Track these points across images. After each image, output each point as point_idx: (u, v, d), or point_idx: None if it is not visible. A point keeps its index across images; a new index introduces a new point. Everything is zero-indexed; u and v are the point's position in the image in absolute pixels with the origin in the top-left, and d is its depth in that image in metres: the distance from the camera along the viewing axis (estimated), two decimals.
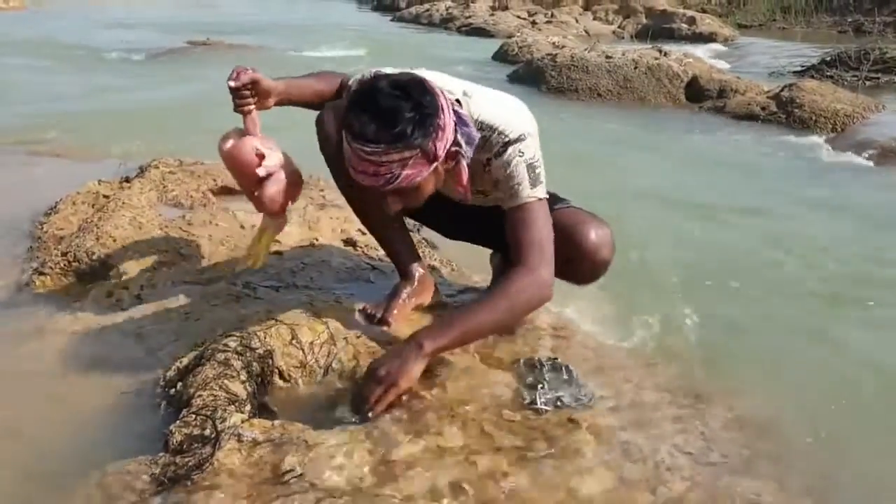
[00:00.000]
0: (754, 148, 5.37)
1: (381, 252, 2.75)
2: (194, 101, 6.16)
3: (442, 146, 1.67)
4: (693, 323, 2.35)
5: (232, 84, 1.92)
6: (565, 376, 1.87)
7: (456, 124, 1.73)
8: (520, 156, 1.80)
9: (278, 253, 2.60)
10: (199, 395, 1.69)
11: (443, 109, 1.67)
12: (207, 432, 1.58)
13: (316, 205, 3.08)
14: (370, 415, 1.68)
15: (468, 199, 1.88)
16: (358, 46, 10.57)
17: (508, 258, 1.91)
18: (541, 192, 1.82)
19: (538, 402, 1.75)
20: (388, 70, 1.88)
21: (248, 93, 1.93)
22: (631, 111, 6.59)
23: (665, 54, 7.39)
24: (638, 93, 6.93)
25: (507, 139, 1.80)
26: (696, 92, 6.89)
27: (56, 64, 8.88)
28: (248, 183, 2.03)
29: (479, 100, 1.86)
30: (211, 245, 2.64)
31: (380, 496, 1.41)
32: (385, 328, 2.08)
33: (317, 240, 2.76)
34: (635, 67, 7.06)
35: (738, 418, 1.80)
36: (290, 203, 2.11)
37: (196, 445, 1.56)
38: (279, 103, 2.02)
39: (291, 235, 2.77)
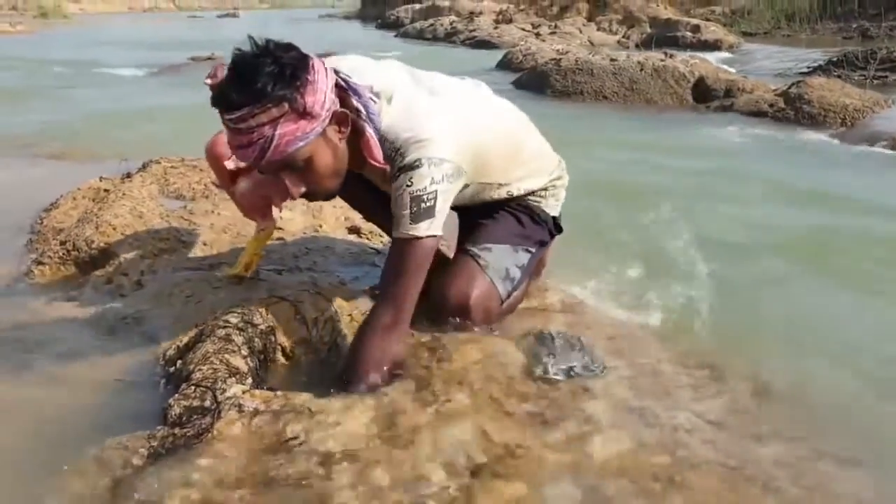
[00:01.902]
0: (765, 141, 5.32)
1: (386, 239, 2.71)
2: (196, 108, 6.14)
3: (315, 101, 1.55)
4: (709, 301, 2.28)
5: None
6: (577, 347, 1.80)
7: (347, 90, 1.64)
8: (408, 185, 1.64)
9: (281, 239, 2.55)
10: (199, 369, 1.64)
11: (313, 67, 1.57)
12: (207, 404, 1.52)
13: None
14: None
15: (387, 169, 1.70)
16: None
17: None
18: (422, 229, 1.65)
19: (549, 371, 1.69)
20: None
21: None
22: (638, 112, 6.55)
23: (671, 57, 7.36)
24: (644, 94, 6.88)
25: (401, 164, 1.66)
26: (702, 92, 6.83)
27: (61, 79, 8.92)
28: (223, 179, 1.98)
29: (398, 108, 1.72)
30: (213, 233, 2.59)
31: (387, 460, 1.35)
32: None
33: (321, 226, 2.71)
34: (641, 69, 7.01)
35: (757, 388, 1.74)
36: (273, 208, 2.02)
37: (196, 417, 1.51)
38: None
39: (295, 223, 2.73)
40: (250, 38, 1.60)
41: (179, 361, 1.75)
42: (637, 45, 13.04)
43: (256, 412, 1.49)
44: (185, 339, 1.82)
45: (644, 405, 1.57)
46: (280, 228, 2.65)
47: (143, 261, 2.39)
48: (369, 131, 1.67)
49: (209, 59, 10.81)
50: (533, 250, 2.04)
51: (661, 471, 1.34)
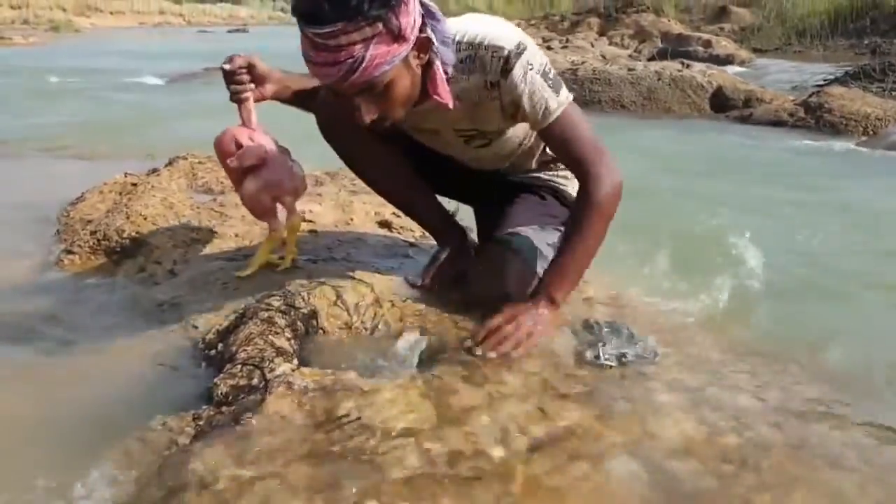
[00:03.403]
0: (789, 147, 5.29)
1: (418, 232, 2.68)
2: (216, 110, 6.18)
3: (407, 23, 1.48)
4: (749, 293, 2.24)
5: (226, 67, 1.83)
6: (626, 335, 1.76)
7: (425, 17, 1.57)
8: (529, 68, 1.61)
9: (313, 232, 2.52)
10: (244, 350, 1.60)
11: None
12: (255, 382, 1.49)
13: (347, 191, 3.00)
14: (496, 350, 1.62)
15: (449, 105, 1.65)
16: None
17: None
18: (564, 95, 1.66)
19: (601, 357, 1.64)
20: None
21: (244, 78, 1.83)
22: (658, 120, 6.51)
23: (688, 67, 7.34)
24: (662, 104, 6.85)
25: (506, 53, 1.61)
26: (720, 102, 6.80)
27: (77, 86, 8.94)
28: (231, 177, 1.90)
29: (455, 21, 1.69)
30: (244, 225, 2.56)
31: (444, 436, 1.31)
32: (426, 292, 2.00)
33: (351, 219, 2.68)
34: (659, 79, 6.99)
35: (815, 375, 1.69)
36: (282, 209, 1.96)
37: (243, 396, 1.47)
38: (278, 95, 1.91)
39: (325, 216, 2.69)
40: None
41: (220, 344, 1.72)
42: (650, 59, 13.01)
43: (306, 390, 1.45)
44: (226, 323, 1.79)
45: (703, 389, 1.53)
46: (311, 221, 2.63)
47: (175, 250, 2.36)
48: (437, 63, 1.60)
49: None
50: (562, 228, 2.00)
51: (731, 452, 1.30)
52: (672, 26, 15.81)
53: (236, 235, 2.48)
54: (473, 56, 1.65)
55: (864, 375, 1.74)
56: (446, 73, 1.63)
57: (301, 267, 2.16)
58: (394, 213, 2.81)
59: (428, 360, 1.67)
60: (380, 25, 1.44)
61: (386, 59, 1.48)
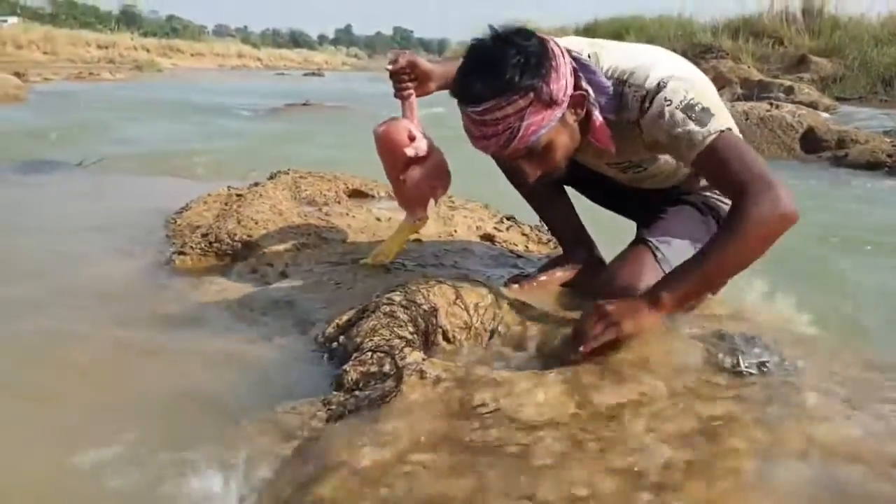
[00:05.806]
0: (891, 188, 5.09)
1: (521, 246, 2.64)
2: (300, 139, 6.35)
3: (559, 88, 1.52)
4: (879, 315, 2.12)
5: (390, 68, 1.92)
6: (761, 345, 1.67)
7: (578, 70, 1.59)
8: (667, 104, 1.58)
9: (418, 241, 2.50)
10: (370, 340, 1.58)
11: (553, 52, 1.54)
12: (386, 369, 1.46)
13: (447, 206, 2.99)
14: (581, 349, 1.51)
15: (612, 150, 1.67)
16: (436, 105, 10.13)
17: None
18: (716, 124, 1.57)
19: (741, 364, 1.56)
20: None
21: (406, 77, 1.91)
22: None
23: (777, 107, 7.18)
24: (750, 144, 6.59)
25: (643, 93, 1.61)
26: (811, 143, 6.62)
27: (170, 117, 9.27)
28: (395, 166, 1.98)
29: (610, 52, 1.70)
30: (351, 233, 2.57)
31: (593, 430, 1.25)
32: (527, 285, 2.01)
33: (455, 231, 2.65)
34: (746, 119, 6.85)
35: None
36: (432, 199, 2.07)
37: (374, 383, 1.44)
38: (442, 88, 1.94)
39: (428, 228, 2.66)
40: (490, 27, 1.58)
41: (342, 337, 1.69)
42: (735, 100, 12.83)
43: (439, 379, 1.41)
44: (346, 317, 1.76)
45: (857, 399, 1.43)
46: (417, 234, 2.61)
47: (286, 253, 2.37)
48: (596, 114, 1.62)
49: (304, 105, 11.15)
50: None
51: None
52: (752, 73, 15.60)
53: (344, 242, 2.48)
54: (620, 93, 1.65)
55: None
56: (606, 119, 1.65)
57: (412, 270, 2.14)
58: (496, 227, 2.79)
59: (553, 358, 1.62)
60: (531, 95, 1.49)
61: (541, 125, 1.53)
